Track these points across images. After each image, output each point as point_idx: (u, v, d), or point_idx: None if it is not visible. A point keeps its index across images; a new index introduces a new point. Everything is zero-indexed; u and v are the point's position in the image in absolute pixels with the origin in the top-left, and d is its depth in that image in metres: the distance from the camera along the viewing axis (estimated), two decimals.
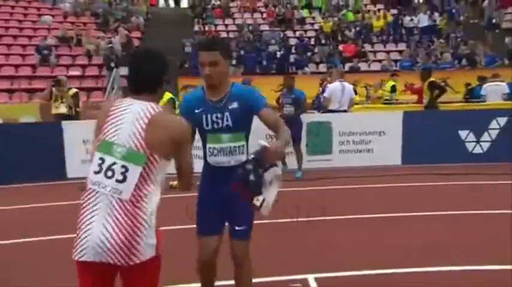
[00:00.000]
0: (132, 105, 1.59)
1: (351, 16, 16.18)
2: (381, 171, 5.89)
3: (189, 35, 15.77)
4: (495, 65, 12.49)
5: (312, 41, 14.73)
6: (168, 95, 6.27)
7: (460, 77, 10.54)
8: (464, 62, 12.81)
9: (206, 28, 15.65)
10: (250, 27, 15.55)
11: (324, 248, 3.24)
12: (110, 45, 11.86)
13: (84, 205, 1.53)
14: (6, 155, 5.77)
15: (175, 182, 1.75)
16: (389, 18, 15.49)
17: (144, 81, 1.64)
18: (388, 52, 14.36)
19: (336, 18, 15.86)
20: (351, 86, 6.61)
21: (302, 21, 16.47)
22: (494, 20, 14.98)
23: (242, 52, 13.17)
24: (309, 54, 13.66)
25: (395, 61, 13.55)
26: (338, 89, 6.31)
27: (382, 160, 6.25)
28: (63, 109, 6.73)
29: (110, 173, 1.51)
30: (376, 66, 13.42)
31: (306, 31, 15.76)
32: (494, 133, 6.32)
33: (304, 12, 16.91)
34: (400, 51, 14.27)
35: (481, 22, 15.42)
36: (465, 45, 13.69)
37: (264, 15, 17.11)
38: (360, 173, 5.80)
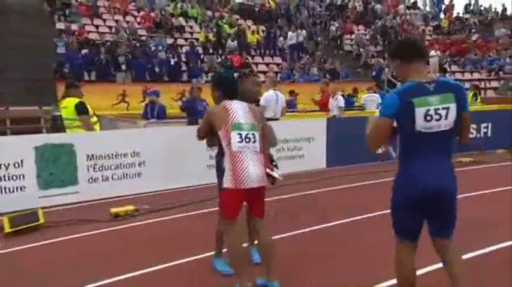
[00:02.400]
0: (234, 102, 2.82)
1: (227, 29, 16.87)
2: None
3: (52, 33, 13.43)
4: (349, 78, 15.22)
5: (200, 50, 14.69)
6: (74, 100, 5.29)
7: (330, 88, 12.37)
8: (327, 75, 15.11)
9: (72, 27, 13.59)
10: (127, 31, 14.35)
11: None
12: None
13: (238, 159, 2.64)
14: None
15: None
16: (261, 34, 16.90)
17: (237, 91, 2.96)
18: (267, 64, 15.63)
19: (214, 30, 16.27)
20: (283, 95, 6.99)
21: (180, 29, 16.22)
22: (338, 42, 18.33)
23: (130, 57, 12.02)
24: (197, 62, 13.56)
25: (276, 73, 14.87)
26: (273, 97, 6.58)
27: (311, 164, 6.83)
28: None
29: (247, 139, 2.68)
30: (261, 77, 14.41)
31: (186, 39, 15.58)
32: None
33: (181, 21, 16.70)
34: (278, 64, 15.74)
35: (329, 44, 18.51)
36: (325, 62, 16.20)
37: (138, 19, 16.08)
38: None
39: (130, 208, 4.65)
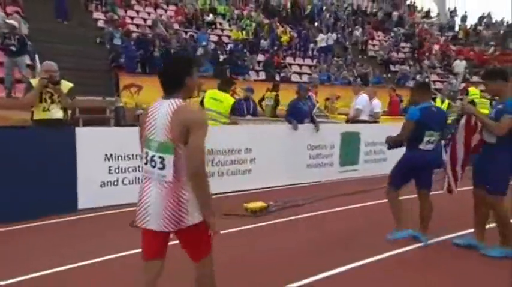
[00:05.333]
0: (163, 104, 1.94)
1: (255, 27, 16.92)
2: None
3: (89, 22, 13.24)
4: (380, 84, 15.55)
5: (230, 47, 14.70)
6: (231, 99, 5.37)
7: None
8: (359, 80, 15.40)
9: (108, 16, 13.40)
10: (163, 24, 14.23)
11: None
12: (11, 22, 8.72)
13: (142, 186, 2.00)
14: None
15: None
16: (290, 34, 17.04)
17: (169, 84, 1.96)
18: (300, 65, 15.80)
19: (247, 27, 16.31)
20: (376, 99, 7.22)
21: (210, 25, 16.20)
22: (362, 47, 18.64)
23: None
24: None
25: (308, 74, 15.04)
26: (367, 100, 6.86)
27: None
28: (58, 113, 4.60)
29: (153, 163, 1.94)
30: (295, 77, 14.55)
31: (219, 36, 15.58)
32: None
33: (211, 17, 16.67)
34: (310, 66, 15.92)
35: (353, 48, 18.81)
36: (353, 66, 16.45)
37: (170, 13, 15.96)
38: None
39: (263, 204, 4.73)
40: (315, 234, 3.98)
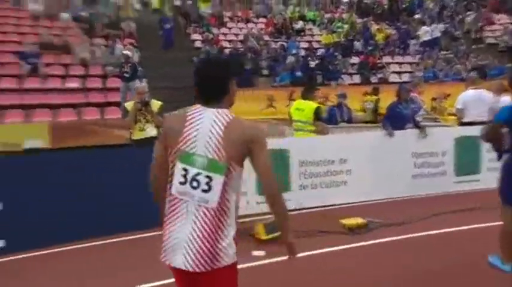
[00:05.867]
0: (205, 113, 1.61)
1: (347, 29, 16.19)
2: None
3: (187, 44, 14.39)
4: (501, 76, 13.23)
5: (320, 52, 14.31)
6: (313, 105, 5.16)
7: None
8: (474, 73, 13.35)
9: (204, 36, 14.36)
10: (254, 37, 14.64)
11: None
12: (126, 52, 9.97)
13: (172, 212, 1.61)
14: None
15: None
16: (387, 32, 15.80)
17: (213, 90, 1.63)
18: (400, 64, 14.51)
19: (334, 31, 15.75)
20: (489, 94, 6.06)
21: (299, 32, 16.09)
22: (477, 35, 16.17)
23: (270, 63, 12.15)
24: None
25: (409, 73, 13.68)
26: (474, 98, 5.78)
27: None
28: (152, 131, 5.02)
29: (195, 184, 1.57)
30: (394, 78, 13.39)
31: (309, 42, 15.34)
32: None
33: (301, 24, 16.58)
34: (411, 64, 14.50)
35: (465, 37, 16.48)
36: (467, 58, 14.35)
37: (260, 26, 16.40)
38: None
39: (361, 220, 4.28)
40: (424, 260, 3.38)
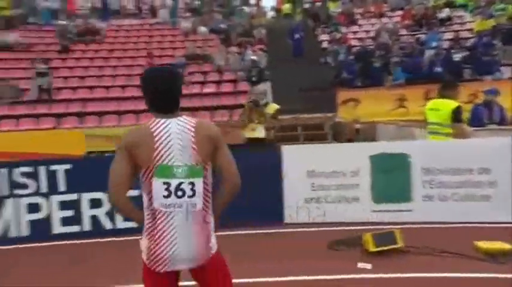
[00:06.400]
0: (170, 124, 1.67)
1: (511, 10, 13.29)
2: None
3: (314, 44, 14.33)
4: None
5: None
6: (451, 104, 4.46)
7: None
8: None
9: (331, 36, 14.00)
10: (388, 32, 13.52)
11: None
12: (254, 57, 10.64)
13: (159, 225, 1.66)
14: None
15: None
16: None
17: (174, 100, 1.71)
18: None
19: (493, 15, 13.15)
20: None
21: (444, 21, 14.05)
22: None
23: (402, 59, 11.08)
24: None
25: None
26: None
27: None
28: (261, 133, 5.16)
29: (180, 193, 1.65)
30: None
31: (456, 31, 13.25)
32: None
33: (447, 12, 14.48)
34: None
35: None
36: None
37: (396, 19, 15.06)
38: None
39: (507, 246, 3.40)
40: None
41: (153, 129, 1.66)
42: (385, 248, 3.44)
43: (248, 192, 4.34)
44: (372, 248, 3.46)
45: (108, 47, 13.91)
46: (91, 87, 11.61)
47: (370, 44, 12.91)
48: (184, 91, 11.37)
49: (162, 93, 1.70)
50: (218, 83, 11.78)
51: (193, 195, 1.67)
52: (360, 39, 14.01)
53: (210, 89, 11.48)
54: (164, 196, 1.65)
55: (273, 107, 5.25)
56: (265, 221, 4.34)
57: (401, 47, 11.86)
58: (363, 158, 4.40)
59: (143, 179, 1.68)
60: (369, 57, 11.09)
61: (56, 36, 13.76)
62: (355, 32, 14.94)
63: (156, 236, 1.66)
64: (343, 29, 14.73)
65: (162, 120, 1.69)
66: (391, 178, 4.39)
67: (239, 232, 4.32)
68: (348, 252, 3.61)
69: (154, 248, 1.66)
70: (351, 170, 4.42)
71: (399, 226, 4.18)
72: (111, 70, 12.48)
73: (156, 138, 1.65)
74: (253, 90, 5.55)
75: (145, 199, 1.70)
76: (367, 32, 14.62)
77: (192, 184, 1.66)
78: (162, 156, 1.64)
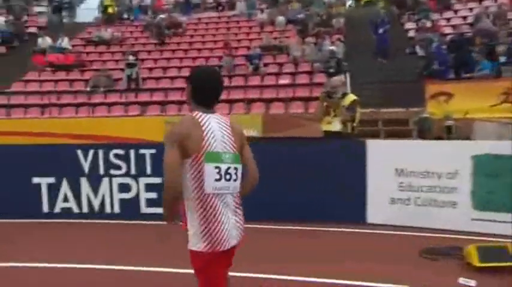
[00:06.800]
0: (210, 119, 1.88)
1: None
2: None
3: (400, 34, 13.19)
4: None
5: None
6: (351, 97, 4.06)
7: None
8: None
9: (419, 24, 12.72)
10: (491, 16, 11.84)
11: None
12: (332, 48, 10.14)
13: (213, 208, 1.82)
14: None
15: None
16: None
17: (218, 97, 1.96)
18: None
19: None
20: None
21: None
22: None
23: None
24: None
25: None
26: None
27: None
28: (337, 126, 4.76)
29: (228, 177, 1.86)
30: None
31: None
32: None
33: None
34: None
35: None
36: None
37: (502, 1, 13.10)
38: None
39: None
40: None
41: (200, 121, 1.85)
42: (496, 264, 2.90)
43: (328, 188, 4.13)
44: (478, 263, 2.93)
45: (188, 40, 14.49)
46: (172, 78, 12.21)
47: (467, 31, 11.45)
48: (259, 82, 11.49)
49: (215, 91, 1.93)
50: (294, 74, 11.50)
51: (237, 179, 1.90)
52: (453, 26, 12.53)
53: (285, 80, 11.27)
54: (216, 179, 1.82)
55: (349, 97, 4.80)
56: (346, 219, 4.03)
57: (510, 33, 10.27)
58: (464, 159, 3.81)
59: (193, 165, 1.81)
60: (467, 45, 9.80)
61: (145, 30, 14.76)
62: (448, 19, 13.41)
63: (214, 219, 1.81)
64: (434, 16, 13.32)
65: (205, 114, 1.88)
66: (497, 183, 3.74)
67: (319, 228, 4.08)
68: (444, 263, 3.14)
69: (214, 229, 1.81)
70: (448, 171, 3.85)
71: (504, 239, 3.55)
72: (190, 61, 12.99)
73: (203, 128, 1.83)
74: (329, 82, 5.18)
75: (192, 187, 1.82)
76: (464, 18, 13.00)
77: (236, 169, 1.89)
78: (210, 144, 1.83)
